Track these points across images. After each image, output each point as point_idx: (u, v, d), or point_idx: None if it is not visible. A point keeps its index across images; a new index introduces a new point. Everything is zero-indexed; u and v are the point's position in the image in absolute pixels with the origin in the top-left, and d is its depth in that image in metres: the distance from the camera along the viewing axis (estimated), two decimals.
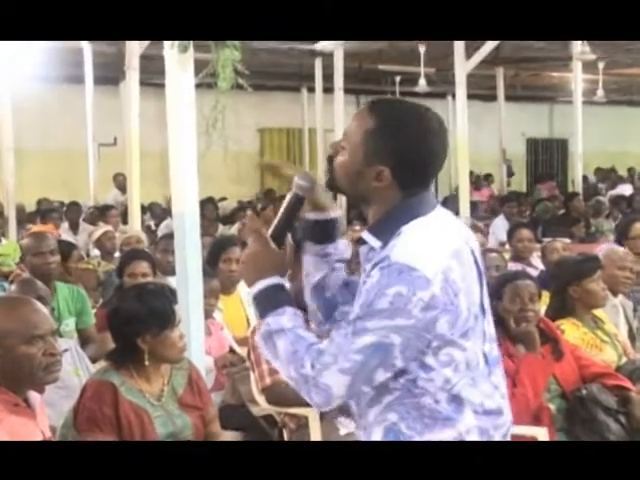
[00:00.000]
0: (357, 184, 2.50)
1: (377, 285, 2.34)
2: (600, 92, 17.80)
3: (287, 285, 2.53)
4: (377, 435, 2.48)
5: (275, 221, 2.61)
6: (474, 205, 13.64)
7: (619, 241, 6.82)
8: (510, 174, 20.23)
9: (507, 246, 8.68)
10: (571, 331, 4.92)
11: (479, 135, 17.20)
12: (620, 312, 5.64)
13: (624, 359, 5.03)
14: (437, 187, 19.57)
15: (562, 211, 13.49)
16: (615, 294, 5.64)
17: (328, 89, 14.10)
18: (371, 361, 2.33)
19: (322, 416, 4.86)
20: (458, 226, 2.53)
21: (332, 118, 13.34)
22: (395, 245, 2.39)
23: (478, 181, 19.20)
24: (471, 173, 17.58)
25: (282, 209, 2.61)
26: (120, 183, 14.52)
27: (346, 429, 4.82)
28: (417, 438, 2.41)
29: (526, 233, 8.02)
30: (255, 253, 2.56)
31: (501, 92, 18.29)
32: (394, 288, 2.31)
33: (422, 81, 15.52)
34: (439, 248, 2.37)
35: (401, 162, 2.43)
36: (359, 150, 2.46)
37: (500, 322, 4.44)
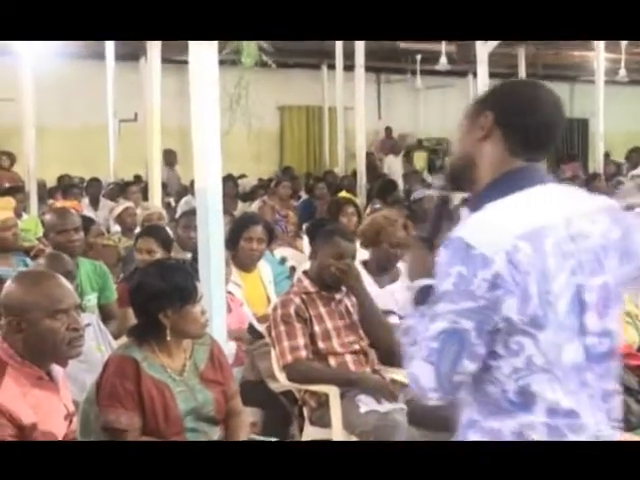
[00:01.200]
0: (464, 144, 2.47)
1: (441, 265, 2.30)
2: (622, 72, 17.69)
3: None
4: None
5: (428, 225, 2.59)
6: None
7: None
8: None
9: None
10: None
11: None
12: None
13: None
14: None
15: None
16: None
17: (348, 67, 14.06)
18: (448, 348, 2.26)
19: (343, 394, 4.88)
20: (561, 206, 2.36)
21: (352, 96, 13.31)
22: (466, 222, 2.32)
23: None
24: None
25: (431, 215, 2.60)
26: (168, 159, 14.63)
27: (366, 407, 4.84)
28: (485, 424, 2.35)
29: None
30: (415, 257, 2.55)
31: (522, 70, 18.20)
32: (455, 268, 2.25)
33: (443, 59, 15.46)
34: (507, 227, 2.25)
35: (505, 117, 2.40)
36: (467, 119, 2.46)
37: None
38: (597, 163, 16.16)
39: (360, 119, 13.18)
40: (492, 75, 12.01)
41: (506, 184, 2.36)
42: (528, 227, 2.26)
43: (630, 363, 4.57)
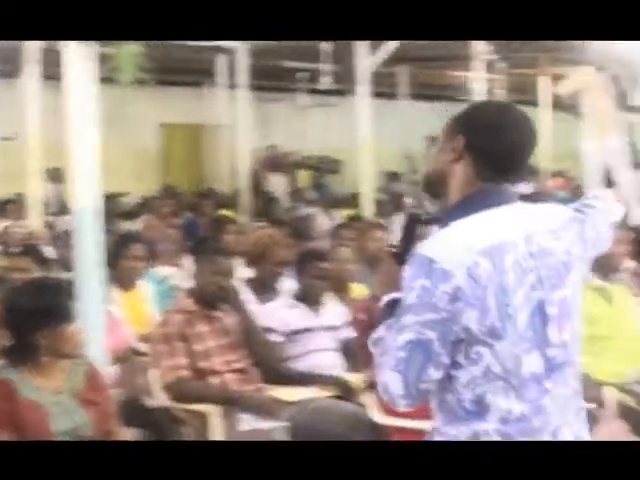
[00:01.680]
0: (438, 162, 2.58)
1: (406, 279, 2.42)
2: (501, 92, 18.05)
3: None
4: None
5: (398, 241, 2.67)
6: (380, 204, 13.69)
7: None
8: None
9: None
10: None
11: (382, 133, 17.33)
12: None
13: None
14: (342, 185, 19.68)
15: None
16: None
17: (232, 85, 14.05)
18: (414, 357, 2.40)
19: (224, 413, 4.86)
20: (522, 225, 2.48)
21: (236, 114, 13.30)
22: (430, 239, 2.46)
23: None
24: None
25: (402, 230, 2.68)
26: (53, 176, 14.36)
27: (247, 425, 4.83)
28: (443, 430, 2.48)
29: None
30: (386, 271, 2.66)
31: (404, 89, 18.45)
32: (419, 281, 2.38)
33: (326, 78, 15.56)
34: (468, 243, 2.39)
35: (475, 142, 2.51)
36: (443, 139, 2.57)
37: None
38: None
39: (243, 137, 13.20)
40: (374, 94, 12.16)
41: (472, 204, 2.48)
42: (488, 244, 2.40)
43: None
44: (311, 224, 11.09)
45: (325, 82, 15.54)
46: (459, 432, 2.45)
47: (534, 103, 22.96)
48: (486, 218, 2.46)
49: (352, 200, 14.47)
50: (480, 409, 2.43)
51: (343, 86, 17.43)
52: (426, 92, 20.04)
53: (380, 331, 2.54)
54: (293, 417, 4.74)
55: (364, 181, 11.88)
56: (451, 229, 2.45)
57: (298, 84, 18.10)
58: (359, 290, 6.40)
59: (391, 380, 2.43)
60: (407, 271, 2.43)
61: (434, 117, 21.77)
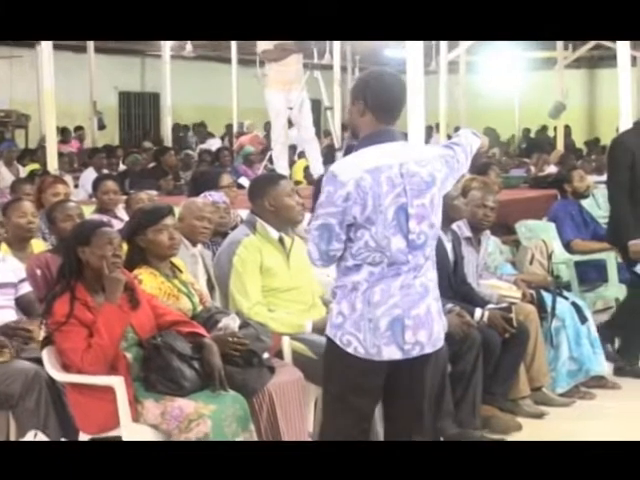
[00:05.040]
0: (352, 122, 3.92)
1: (322, 185, 3.77)
2: (189, 47, 18.06)
3: None
4: None
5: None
6: (63, 157, 13.34)
7: (195, 192, 6.88)
8: (101, 127, 20.03)
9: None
10: (148, 280, 4.93)
11: (69, 87, 16.92)
12: (199, 261, 5.74)
13: (200, 307, 5.13)
14: (27, 139, 19.06)
15: (153, 164, 13.54)
16: (194, 244, 5.74)
17: None
18: (324, 234, 3.75)
19: None
20: (399, 156, 3.77)
21: None
22: (337, 161, 3.99)
23: (66, 133, 18.84)
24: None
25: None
26: None
27: None
28: (339, 283, 3.84)
29: (111, 185, 7.92)
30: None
31: (91, 43, 18.03)
32: (326, 187, 3.74)
33: None
34: (358, 164, 3.72)
35: (370, 99, 3.81)
36: (350, 100, 3.89)
37: (87, 267, 4.55)
38: (166, 136, 16.41)
39: None
40: (60, 47, 11.73)
41: (370, 139, 3.80)
42: (372, 165, 3.72)
43: (183, 330, 4.65)
44: None
45: None
46: (345, 282, 3.79)
47: (221, 59, 23.18)
48: (376, 149, 3.76)
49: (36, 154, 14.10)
50: (356, 269, 3.77)
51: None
52: (113, 46, 19.70)
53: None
54: None
55: (48, 135, 11.45)
56: (352, 155, 3.80)
57: None
58: (38, 245, 6.21)
59: (312, 250, 3.80)
60: (323, 181, 3.76)
61: (123, 72, 21.50)
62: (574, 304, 6.94)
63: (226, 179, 7.50)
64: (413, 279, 3.80)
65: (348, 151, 3.90)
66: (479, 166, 8.53)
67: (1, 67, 19.62)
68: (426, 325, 3.81)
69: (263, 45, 10.32)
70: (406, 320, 3.76)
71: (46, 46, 10.76)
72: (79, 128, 19.82)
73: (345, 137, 13.49)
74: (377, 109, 3.80)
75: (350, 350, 3.77)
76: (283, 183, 5.55)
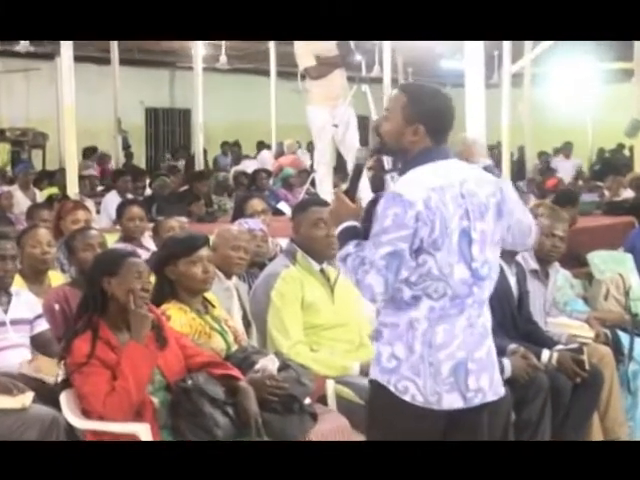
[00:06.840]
0: (400, 141, 3.85)
1: (380, 210, 3.67)
2: (223, 58, 18.16)
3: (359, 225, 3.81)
4: None
5: (347, 184, 3.95)
6: (83, 179, 13.41)
7: (235, 219, 6.96)
8: (126, 147, 20.18)
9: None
10: (178, 317, 4.93)
11: (91, 103, 17.05)
12: (234, 295, 5.73)
13: (235, 347, 5.12)
14: (45, 161, 19.18)
15: (184, 188, 13.54)
16: (229, 276, 5.74)
17: None
18: (392, 263, 3.61)
19: None
20: (458, 174, 3.79)
21: None
22: (397, 183, 3.82)
23: (91, 153, 18.97)
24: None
25: (350, 176, 3.97)
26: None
27: None
28: (385, 320, 3.80)
29: (137, 211, 7.97)
30: (337, 206, 3.87)
31: (115, 55, 18.17)
32: (392, 210, 3.64)
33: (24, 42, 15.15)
34: (422, 183, 3.69)
35: (429, 121, 3.81)
36: (399, 118, 3.85)
37: (112, 301, 4.57)
38: (197, 157, 16.48)
39: None
40: (81, 59, 11.89)
41: (424, 157, 3.80)
42: (437, 184, 3.70)
43: (215, 372, 4.65)
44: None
45: (24, 45, 15.14)
46: (399, 319, 3.73)
47: (257, 71, 23.31)
48: (433, 167, 3.77)
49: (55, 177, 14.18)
50: (415, 302, 3.71)
51: (45, 49, 17.06)
52: (143, 57, 19.88)
53: (347, 249, 3.70)
54: None
55: (68, 157, 11.51)
56: (410, 174, 3.77)
57: None
58: (56, 278, 6.23)
59: (376, 282, 3.61)
60: (380, 205, 3.68)
61: (150, 86, 21.66)
62: None
63: (258, 204, 7.53)
64: (477, 317, 3.78)
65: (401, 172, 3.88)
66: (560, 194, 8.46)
67: (17, 81, 19.78)
68: (488, 369, 3.79)
69: (305, 62, 10.30)
70: (469, 364, 3.73)
71: (66, 58, 10.88)
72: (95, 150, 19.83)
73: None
74: (435, 131, 3.81)
75: (407, 398, 3.71)
76: (312, 210, 5.54)
